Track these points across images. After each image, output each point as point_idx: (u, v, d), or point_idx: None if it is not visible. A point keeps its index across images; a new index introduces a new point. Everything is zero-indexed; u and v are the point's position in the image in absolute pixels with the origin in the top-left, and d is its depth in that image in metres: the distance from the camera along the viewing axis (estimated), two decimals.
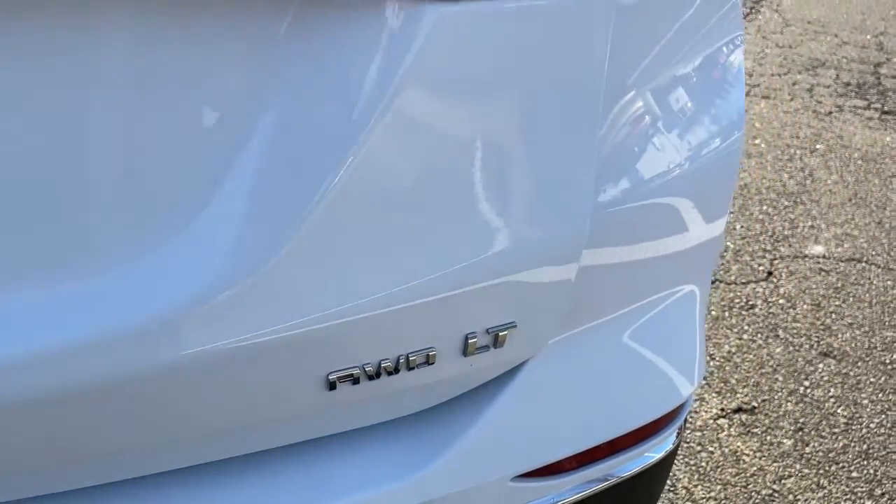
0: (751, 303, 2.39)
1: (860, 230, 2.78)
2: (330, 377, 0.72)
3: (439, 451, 0.81)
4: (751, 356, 2.19)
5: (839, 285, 2.49)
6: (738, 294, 2.43)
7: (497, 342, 0.78)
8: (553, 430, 0.87)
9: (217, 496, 0.79)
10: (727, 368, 2.15)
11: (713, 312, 2.34)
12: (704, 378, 2.11)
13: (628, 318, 0.89)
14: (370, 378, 0.74)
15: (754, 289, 2.45)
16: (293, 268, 0.65)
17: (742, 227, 2.75)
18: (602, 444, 0.90)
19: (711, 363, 2.16)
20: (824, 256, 2.63)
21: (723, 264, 2.55)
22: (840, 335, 2.28)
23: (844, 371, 2.16)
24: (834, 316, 2.36)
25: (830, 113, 3.65)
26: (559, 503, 0.90)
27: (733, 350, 2.21)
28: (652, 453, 0.96)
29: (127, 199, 0.63)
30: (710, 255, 0.92)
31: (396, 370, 0.75)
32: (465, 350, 0.77)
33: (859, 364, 2.18)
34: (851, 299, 2.43)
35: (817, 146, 3.34)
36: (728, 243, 2.66)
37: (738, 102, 0.83)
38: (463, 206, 0.71)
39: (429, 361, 0.76)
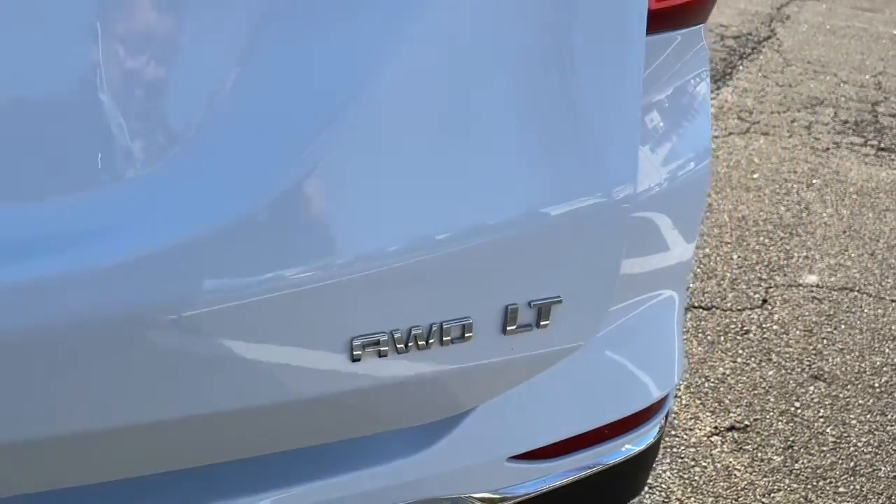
0: (745, 328, 2.49)
1: (853, 261, 2.88)
2: (354, 344, 0.65)
3: (443, 431, 0.91)
4: (744, 378, 2.29)
5: (831, 313, 2.59)
6: (734, 320, 2.53)
7: (540, 320, 0.72)
8: (544, 417, 0.97)
9: (228, 464, 0.79)
10: (721, 389, 2.24)
11: (709, 337, 2.44)
12: (699, 398, 2.21)
13: (613, 317, 1.00)
14: (398, 351, 0.66)
15: (749, 315, 2.55)
16: (311, 201, 0.59)
17: (739, 256, 2.86)
18: (589, 433, 1.00)
19: (706, 384, 2.26)
20: (818, 285, 2.73)
21: (719, 292, 2.66)
22: (831, 359, 2.38)
23: (834, 393, 2.25)
24: (825, 342, 2.45)
25: (828, 149, 3.77)
26: (551, 485, 1.01)
27: (727, 372, 2.31)
28: (634, 445, 1.06)
29: (125, 127, 0.59)
30: (685, 263, 1.03)
31: (428, 342, 0.67)
32: (505, 325, 0.71)
33: (849, 387, 2.27)
34: (843, 326, 2.53)
35: (814, 181, 3.45)
36: (725, 272, 2.77)
37: (705, 134, 0.93)
38: (506, 152, 0.65)
39: (464, 335, 0.69)
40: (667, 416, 1.13)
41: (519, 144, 0.67)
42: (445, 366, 0.70)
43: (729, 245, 2.93)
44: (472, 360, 0.72)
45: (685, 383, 2.25)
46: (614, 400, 1.03)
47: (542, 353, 0.75)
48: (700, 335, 2.45)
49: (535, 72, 0.66)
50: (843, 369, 2.34)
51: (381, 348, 0.67)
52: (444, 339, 0.68)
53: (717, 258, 2.84)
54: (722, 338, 2.44)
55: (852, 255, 2.92)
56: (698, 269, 2.76)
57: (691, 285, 2.68)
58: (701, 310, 2.56)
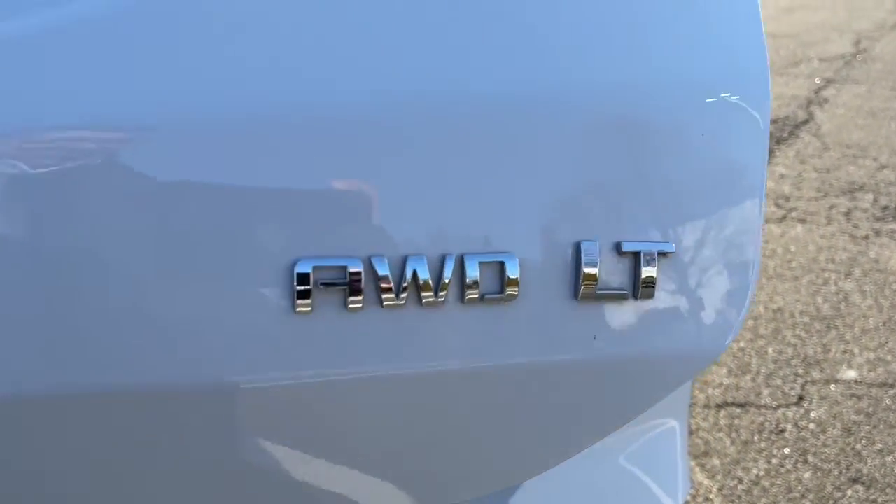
0: (781, 427, 2.45)
1: (894, 355, 2.82)
2: (298, 279, 0.36)
3: None
4: (779, 481, 2.23)
5: (871, 410, 2.53)
6: (769, 418, 2.48)
7: (639, 286, 0.43)
8: None
9: None
10: (755, 493, 2.19)
11: (742, 436, 2.40)
12: (732, 501, 2.16)
13: (618, 444, 1.01)
14: (381, 301, 0.37)
15: (785, 413, 2.51)
16: None
17: (774, 350, 2.82)
18: None
19: (739, 487, 2.21)
20: (857, 381, 2.67)
21: (753, 388, 2.62)
22: (870, 461, 2.31)
23: (873, 497, 2.18)
24: (864, 441, 2.39)
25: (867, 237, 3.73)
26: None
27: (762, 474, 2.26)
28: None
29: None
30: (685, 394, 1.04)
31: (437, 293, 0.37)
32: (578, 281, 0.42)
33: (888, 490, 2.21)
34: (882, 425, 2.47)
35: (853, 270, 3.41)
36: (760, 367, 2.73)
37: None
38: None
39: (503, 289, 0.40)
40: None
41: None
42: (467, 349, 0.39)
43: (764, 338, 2.90)
44: (521, 346, 0.41)
45: (717, 485, 2.21)
46: None
47: (645, 359, 0.45)
48: (734, 434, 2.41)
49: None
50: (883, 472, 2.27)
51: (351, 293, 0.37)
52: (466, 289, 0.38)
53: (752, 352, 2.81)
54: (756, 437, 2.40)
55: (893, 348, 2.86)
56: (732, 364, 2.74)
57: (724, 381, 2.65)
58: (734, 407, 2.52)
